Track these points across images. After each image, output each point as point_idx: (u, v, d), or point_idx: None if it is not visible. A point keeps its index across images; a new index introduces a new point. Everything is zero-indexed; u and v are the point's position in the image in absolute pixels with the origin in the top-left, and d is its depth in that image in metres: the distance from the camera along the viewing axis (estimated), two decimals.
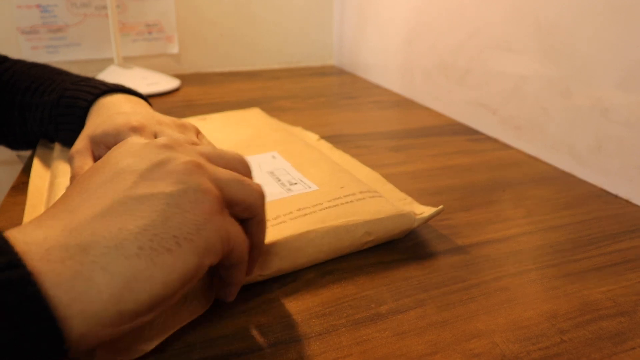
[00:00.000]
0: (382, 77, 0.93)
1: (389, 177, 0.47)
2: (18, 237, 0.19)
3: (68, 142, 0.47)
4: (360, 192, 0.39)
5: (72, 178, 0.40)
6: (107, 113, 0.44)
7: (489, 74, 0.64)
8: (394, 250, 0.37)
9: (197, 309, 0.29)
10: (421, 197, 0.46)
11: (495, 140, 0.62)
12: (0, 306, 0.17)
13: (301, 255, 0.33)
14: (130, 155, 0.25)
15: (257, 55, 1.09)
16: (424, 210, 0.38)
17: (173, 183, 0.23)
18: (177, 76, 0.97)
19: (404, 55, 0.85)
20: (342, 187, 0.40)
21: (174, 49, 1.01)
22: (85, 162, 0.40)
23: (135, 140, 0.26)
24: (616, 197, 0.47)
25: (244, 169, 0.29)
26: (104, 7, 0.93)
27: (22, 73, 0.52)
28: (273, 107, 0.75)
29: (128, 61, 0.92)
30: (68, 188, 0.24)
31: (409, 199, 0.41)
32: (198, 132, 0.41)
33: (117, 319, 0.20)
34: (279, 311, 0.30)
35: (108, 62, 0.95)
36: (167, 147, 0.26)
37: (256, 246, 0.29)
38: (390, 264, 0.35)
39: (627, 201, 0.46)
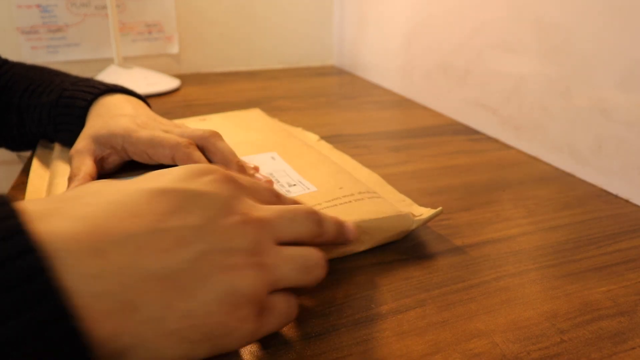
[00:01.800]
0: (382, 77, 0.93)
1: (389, 177, 0.47)
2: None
3: (67, 142, 0.47)
4: (359, 193, 0.39)
5: (71, 178, 0.40)
6: (108, 114, 0.44)
7: (489, 74, 0.64)
8: (394, 250, 0.37)
9: None
10: (421, 197, 0.45)
11: (495, 140, 0.62)
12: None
13: None
14: (207, 208, 0.23)
15: (257, 55, 1.09)
16: (423, 212, 0.38)
17: (230, 275, 0.22)
18: (177, 76, 0.97)
19: (404, 55, 0.85)
20: (340, 188, 0.40)
21: (174, 49, 1.01)
22: (84, 162, 0.40)
23: (222, 190, 0.25)
24: (616, 197, 0.47)
25: (271, 197, 0.28)
26: (104, 7, 0.93)
27: (20, 75, 0.52)
28: (273, 107, 0.75)
29: (128, 61, 0.92)
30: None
31: (408, 200, 0.41)
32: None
33: None
34: None
35: (108, 62, 0.95)
36: (248, 224, 0.24)
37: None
38: (390, 264, 0.35)
39: (627, 201, 0.46)
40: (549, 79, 0.54)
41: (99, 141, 0.41)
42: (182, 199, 0.23)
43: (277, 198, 0.30)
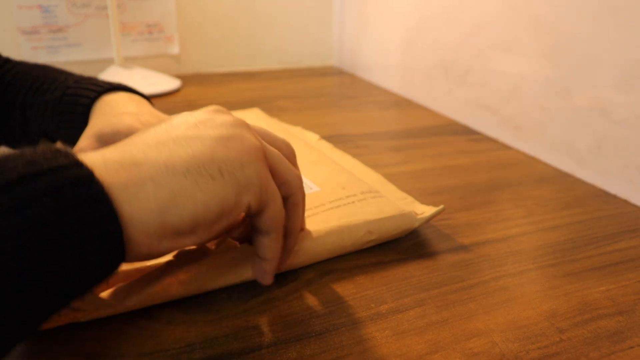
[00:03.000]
0: (382, 77, 0.93)
1: (389, 177, 0.47)
2: (79, 154, 0.21)
3: (70, 140, 0.47)
4: (362, 193, 0.39)
5: None
6: (112, 112, 0.44)
7: (488, 74, 0.64)
8: (394, 250, 0.37)
9: (188, 287, 0.30)
10: (421, 197, 0.46)
11: (495, 141, 0.62)
12: (69, 201, 0.19)
13: (302, 254, 0.33)
14: (184, 114, 0.27)
15: (257, 56, 1.09)
16: (425, 210, 0.39)
17: (223, 130, 0.25)
18: (178, 76, 0.97)
19: (404, 55, 0.85)
20: (343, 188, 0.40)
21: (175, 49, 1.01)
22: None
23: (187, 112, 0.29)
24: (615, 197, 0.47)
25: (289, 152, 0.31)
26: (105, 8, 0.93)
27: (24, 73, 0.52)
28: (273, 107, 0.75)
29: (128, 61, 0.92)
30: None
31: (410, 198, 0.42)
32: None
33: (160, 230, 0.22)
34: (279, 311, 0.30)
35: (108, 62, 0.95)
36: (219, 110, 0.28)
37: (291, 232, 0.30)
38: (390, 263, 0.35)
39: (626, 201, 0.46)
40: (548, 79, 0.54)
41: (103, 139, 0.41)
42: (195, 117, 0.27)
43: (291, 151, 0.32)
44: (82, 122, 0.46)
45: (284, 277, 0.33)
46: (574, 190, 0.48)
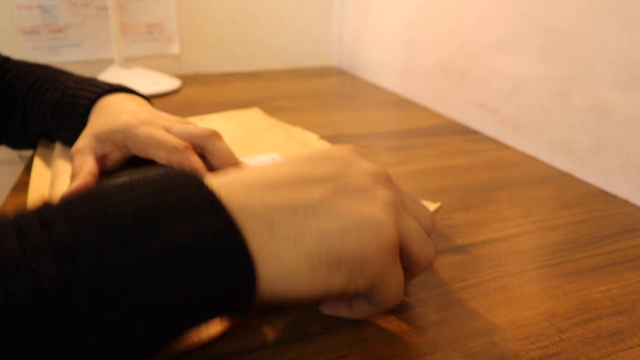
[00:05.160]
0: (382, 77, 0.93)
1: None
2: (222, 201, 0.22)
3: (69, 140, 0.48)
4: None
5: (73, 177, 0.40)
6: (110, 112, 0.44)
7: (488, 74, 0.64)
8: None
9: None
10: (421, 197, 0.46)
11: (494, 141, 0.62)
12: (210, 253, 0.21)
13: None
14: (325, 158, 0.27)
15: (257, 56, 1.09)
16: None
17: (364, 206, 0.24)
18: (178, 77, 0.97)
19: (404, 56, 0.85)
20: None
21: (175, 49, 1.01)
22: (85, 161, 0.41)
23: (349, 151, 0.28)
24: (615, 197, 0.47)
25: (428, 225, 0.29)
26: (105, 8, 0.93)
27: (24, 72, 0.52)
28: (273, 107, 0.75)
29: (129, 62, 0.92)
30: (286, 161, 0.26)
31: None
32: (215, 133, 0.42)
33: (266, 297, 0.23)
34: (279, 311, 0.30)
35: (109, 62, 0.95)
36: (374, 175, 0.27)
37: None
38: None
39: (626, 201, 0.46)
40: (548, 79, 0.54)
41: (100, 139, 0.42)
42: (316, 159, 0.26)
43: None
44: (81, 123, 0.46)
45: None
46: (574, 190, 0.48)
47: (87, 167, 0.40)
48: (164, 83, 0.87)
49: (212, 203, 0.22)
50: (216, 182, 0.23)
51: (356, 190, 0.25)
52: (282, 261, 0.22)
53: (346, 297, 0.28)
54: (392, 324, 0.29)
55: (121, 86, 0.49)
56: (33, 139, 0.53)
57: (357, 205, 0.24)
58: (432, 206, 0.38)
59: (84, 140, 0.42)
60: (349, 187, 0.25)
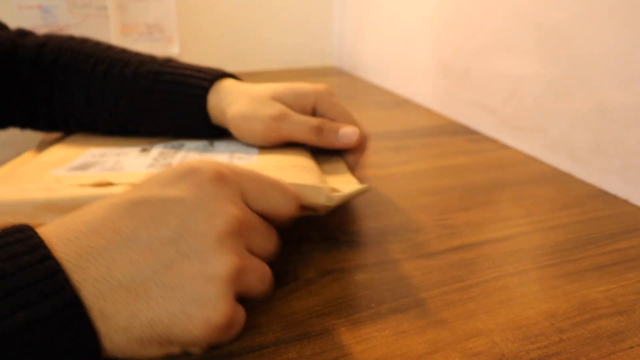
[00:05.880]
0: (382, 77, 0.93)
1: (389, 177, 0.48)
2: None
3: (154, 130, 0.46)
4: (293, 166, 0.37)
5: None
6: (246, 91, 0.45)
7: (488, 74, 0.64)
8: (394, 250, 0.37)
9: None
10: (421, 197, 0.46)
11: (494, 141, 0.62)
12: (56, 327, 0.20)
13: None
14: (186, 203, 0.25)
15: (257, 56, 1.09)
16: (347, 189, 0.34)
17: (198, 287, 0.23)
18: None
19: (404, 56, 0.85)
20: (278, 161, 0.39)
21: (175, 49, 1.01)
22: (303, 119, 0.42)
23: (206, 181, 0.26)
24: (615, 197, 0.47)
25: (271, 249, 0.29)
26: (105, 8, 0.93)
27: (71, 50, 0.47)
28: None
29: None
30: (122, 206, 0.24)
31: (354, 181, 0.38)
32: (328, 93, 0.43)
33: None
34: (279, 311, 0.30)
35: None
36: (222, 232, 0.24)
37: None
38: (390, 263, 0.35)
39: (625, 201, 0.46)
40: (548, 79, 0.54)
41: (293, 96, 0.44)
42: (158, 208, 0.24)
43: (289, 201, 0.29)
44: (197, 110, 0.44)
45: (283, 277, 0.33)
46: (574, 190, 0.48)
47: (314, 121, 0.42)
48: None
49: (53, 280, 0.21)
50: (50, 241, 0.22)
51: (196, 258, 0.23)
52: (114, 343, 0.22)
53: None
54: (392, 324, 0.29)
55: (219, 71, 0.48)
56: (86, 124, 0.48)
57: (192, 282, 0.23)
58: (354, 187, 0.35)
59: (273, 102, 0.42)
60: (188, 253, 0.23)
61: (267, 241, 0.28)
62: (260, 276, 0.26)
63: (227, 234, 0.24)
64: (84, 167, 0.40)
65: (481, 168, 0.53)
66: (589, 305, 0.31)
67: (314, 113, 0.44)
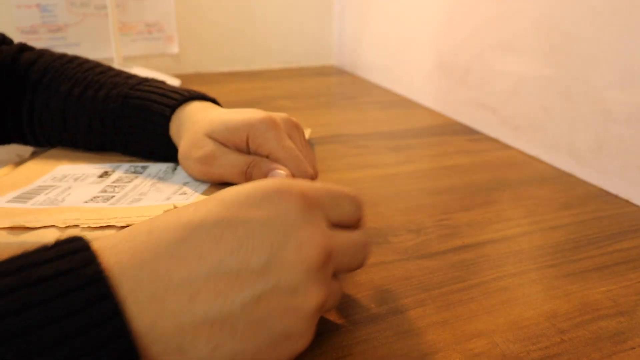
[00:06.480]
0: (382, 77, 0.93)
1: (389, 177, 0.47)
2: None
3: (141, 151, 0.46)
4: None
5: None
6: (210, 113, 0.42)
7: (489, 74, 0.64)
8: (394, 250, 0.37)
9: None
10: (421, 197, 0.46)
11: (495, 140, 0.62)
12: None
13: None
14: (274, 231, 0.23)
15: (257, 55, 1.09)
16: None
17: (287, 322, 0.22)
18: (177, 76, 0.97)
19: (404, 55, 0.85)
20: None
21: (174, 49, 1.01)
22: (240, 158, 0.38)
23: (293, 209, 0.24)
24: (616, 197, 0.47)
25: (359, 262, 0.27)
26: (104, 7, 0.93)
27: (55, 70, 0.48)
28: (273, 107, 0.75)
29: (128, 61, 0.92)
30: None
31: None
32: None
33: None
34: None
35: (108, 62, 0.94)
36: (312, 264, 0.23)
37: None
38: (390, 263, 0.35)
39: (627, 201, 0.46)
40: (548, 79, 0.54)
41: (227, 131, 0.39)
42: (245, 233, 0.22)
43: (358, 208, 0.28)
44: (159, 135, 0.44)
45: None
46: (575, 190, 0.48)
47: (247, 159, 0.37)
48: None
49: (114, 329, 0.19)
50: (116, 284, 0.20)
51: (286, 290, 0.22)
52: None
53: None
54: (392, 324, 0.29)
55: (193, 93, 0.46)
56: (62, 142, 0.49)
57: (282, 316, 0.22)
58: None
59: (206, 141, 0.39)
60: (278, 287, 0.21)
61: (359, 255, 0.26)
62: (336, 299, 0.26)
63: (316, 265, 0.23)
64: (29, 195, 0.38)
65: (482, 168, 0.53)
66: (590, 306, 0.31)
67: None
